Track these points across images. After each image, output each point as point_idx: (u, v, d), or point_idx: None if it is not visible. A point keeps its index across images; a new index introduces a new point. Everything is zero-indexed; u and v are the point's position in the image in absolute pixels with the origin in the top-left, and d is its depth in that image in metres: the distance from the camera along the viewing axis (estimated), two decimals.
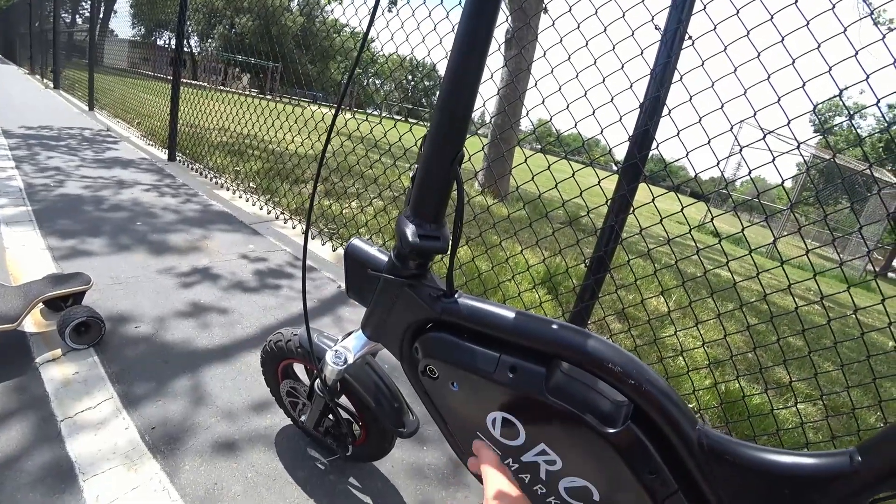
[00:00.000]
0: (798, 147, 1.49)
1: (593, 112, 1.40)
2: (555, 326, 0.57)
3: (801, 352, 2.63)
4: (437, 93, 0.59)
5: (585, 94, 1.42)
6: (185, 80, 4.04)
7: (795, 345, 2.81)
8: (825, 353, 2.78)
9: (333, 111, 0.70)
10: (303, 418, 1.02)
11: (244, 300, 1.83)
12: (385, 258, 0.73)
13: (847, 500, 0.49)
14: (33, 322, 1.43)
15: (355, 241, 0.78)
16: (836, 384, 2.34)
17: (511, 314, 0.59)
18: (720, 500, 0.56)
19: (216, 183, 3.56)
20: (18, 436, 1.03)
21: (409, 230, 0.61)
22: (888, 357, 3.06)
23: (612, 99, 1.40)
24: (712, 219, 1.44)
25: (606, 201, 1.43)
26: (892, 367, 2.89)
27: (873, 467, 0.48)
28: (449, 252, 0.64)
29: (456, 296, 0.64)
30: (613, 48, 1.42)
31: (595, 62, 1.41)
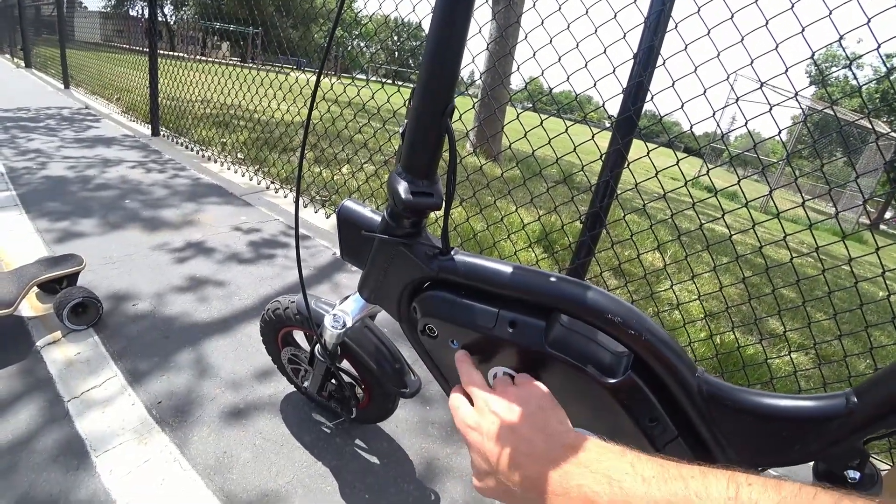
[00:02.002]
0: (796, 95, 1.46)
1: (585, 64, 1.35)
2: (553, 279, 0.57)
3: (794, 303, 2.68)
4: (424, 43, 0.56)
5: (577, 45, 1.37)
6: (162, 52, 3.88)
7: (788, 296, 2.85)
8: (816, 304, 2.83)
9: (316, 76, 0.67)
10: (306, 384, 1.03)
11: (240, 271, 1.83)
12: (378, 218, 0.71)
13: (843, 440, 0.51)
14: (30, 306, 1.42)
15: (347, 203, 0.76)
16: (828, 333, 2.39)
17: (508, 269, 0.59)
18: (719, 444, 0.57)
19: (203, 156, 3.49)
20: (27, 418, 1.04)
21: (402, 187, 0.60)
22: (878, 306, 3.12)
23: (605, 50, 1.35)
24: (708, 171, 1.43)
25: (601, 156, 1.41)
26: (882, 315, 2.95)
27: (868, 408, 0.49)
28: (443, 209, 0.62)
29: (452, 253, 0.63)
30: None
31: (587, 11, 1.36)
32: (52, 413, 1.07)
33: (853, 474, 0.52)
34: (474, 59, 1.71)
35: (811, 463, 0.56)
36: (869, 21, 1.12)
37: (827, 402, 0.52)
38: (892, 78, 1.31)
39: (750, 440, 0.56)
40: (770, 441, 0.55)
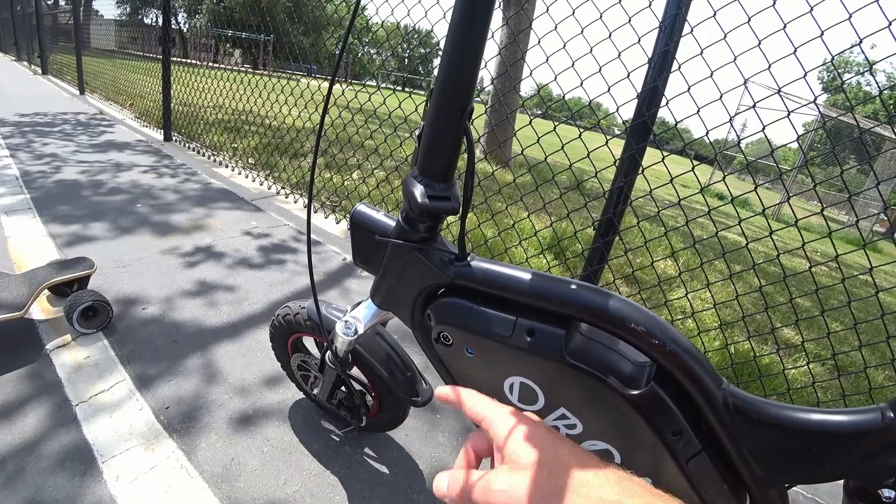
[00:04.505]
0: (815, 100, 1.43)
1: (599, 69, 1.34)
2: (573, 287, 0.55)
3: (810, 312, 2.62)
4: (443, 42, 0.55)
5: (591, 50, 1.36)
6: (176, 59, 3.94)
7: (804, 305, 2.80)
8: (832, 314, 2.77)
9: (328, 83, 0.66)
10: (315, 391, 1.02)
11: (250, 277, 1.82)
12: (392, 223, 0.70)
13: (877, 457, 0.48)
14: (40, 309, 1.42)
15: (361, 207, 0.75)
16: (845, 344, 2.34)
17: (527, 276, 0.57)
18: (745, 459, 0.55)
19: (215, 161, 3.52)
20: (35, 422, 1.04)
21: (418, 191, 0.58)
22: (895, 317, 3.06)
23: (620, 55, 1.34)
24: (723, 178, 1.40)
25: (614, 162, 1.39)
26: None
27: None
28: (460, 213, 0.61)
29: (469, 259, 0.61)
30: (620, 1, 1.35)
31: (601, 16, 1.35)
32: (60, 417, 1.06)
33: (888, 493, 0.49)
34: (486, 64, 1.70)
35: (842, 481, 0.53)
36: (889, 24, 1.10)
37: (861, 416, 0.49)
38: None
39: (778, 455, 0.54)
40: (799, 457, 0.53)
